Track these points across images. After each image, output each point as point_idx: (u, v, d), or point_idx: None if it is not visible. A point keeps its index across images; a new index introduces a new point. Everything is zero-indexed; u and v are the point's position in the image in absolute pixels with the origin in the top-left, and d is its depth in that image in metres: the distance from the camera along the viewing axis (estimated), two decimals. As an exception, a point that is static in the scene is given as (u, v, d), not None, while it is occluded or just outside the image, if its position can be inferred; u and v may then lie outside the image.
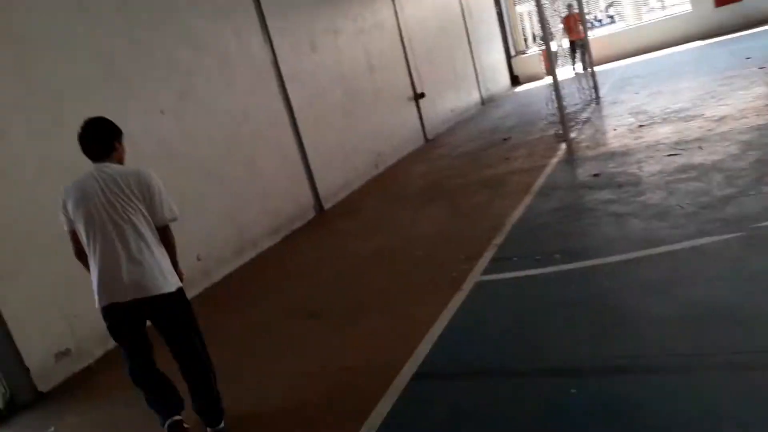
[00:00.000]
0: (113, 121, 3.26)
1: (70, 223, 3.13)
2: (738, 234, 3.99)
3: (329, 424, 3.20)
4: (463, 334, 3.77)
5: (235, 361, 4.21)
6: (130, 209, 3.08)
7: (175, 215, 3.29)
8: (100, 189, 3.06)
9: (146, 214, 3.14)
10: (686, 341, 2.98)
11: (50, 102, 5.06)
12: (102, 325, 3.15)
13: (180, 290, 3.24)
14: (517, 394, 2.98)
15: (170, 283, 3.15)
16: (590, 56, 12.44)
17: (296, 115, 8.17)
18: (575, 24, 15.08)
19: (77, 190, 3.09)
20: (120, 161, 3.28)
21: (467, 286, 4.43)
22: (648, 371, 2.85)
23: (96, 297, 3.08)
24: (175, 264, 3.33)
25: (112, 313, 3.09)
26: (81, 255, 3.19)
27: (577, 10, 15.63)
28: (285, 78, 8.08)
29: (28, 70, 4.98)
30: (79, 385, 4.70)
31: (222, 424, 3.36)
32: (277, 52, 8.03)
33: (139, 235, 3.08)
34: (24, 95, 4.91)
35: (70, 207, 3.10)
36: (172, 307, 3.19)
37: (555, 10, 12.46)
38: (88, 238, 3.08)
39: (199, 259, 6.25)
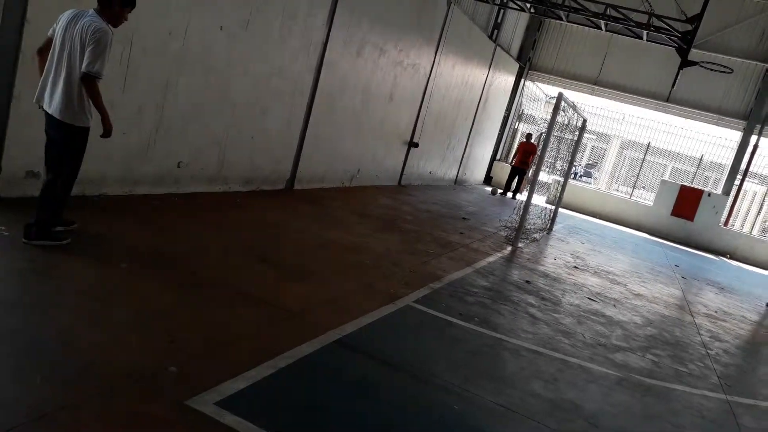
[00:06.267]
0: None
1: (53, 31, 4.11)
2: (616, 373, 4.85)
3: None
4: (384, 331, 4.40)
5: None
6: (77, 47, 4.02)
7: (91, 71, 3.99)
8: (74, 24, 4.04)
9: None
10: (544, 404, 3.72)
11: None
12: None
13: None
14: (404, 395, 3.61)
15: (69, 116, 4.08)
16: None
17: (316, 95, 8.77)
18: (523, 153, 16.42)
19: (68, 18, 4.06)
20: (109, 18, 4.13)
21: (400, 303, 5.08)
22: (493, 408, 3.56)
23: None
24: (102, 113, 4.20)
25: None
26: (41, 52, 4.19)
27: (534, 142, 16.87)
28: (325, 61, 8.71)
29: None
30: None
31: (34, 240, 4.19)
32: (331, 36, 8.69)
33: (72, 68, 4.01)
34: None
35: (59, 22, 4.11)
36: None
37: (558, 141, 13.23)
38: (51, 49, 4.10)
39: (179, 166, 6.62)
